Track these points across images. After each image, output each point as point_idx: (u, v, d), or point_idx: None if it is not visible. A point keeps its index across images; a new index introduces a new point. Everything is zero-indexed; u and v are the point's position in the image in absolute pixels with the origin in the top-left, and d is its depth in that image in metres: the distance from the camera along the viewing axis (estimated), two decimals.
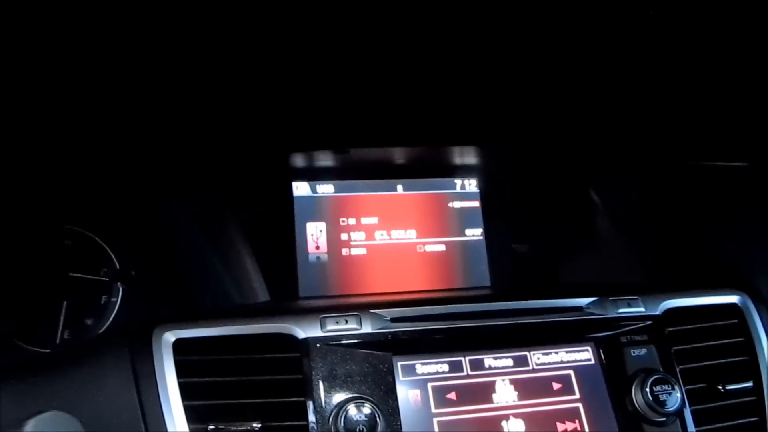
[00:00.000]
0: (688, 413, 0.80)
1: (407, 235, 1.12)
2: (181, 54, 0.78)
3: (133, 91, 0.84)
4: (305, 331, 0.76)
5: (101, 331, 0.97)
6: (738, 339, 0.89)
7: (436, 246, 1.12)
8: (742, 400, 0.84)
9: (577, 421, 0.78)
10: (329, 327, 0.76)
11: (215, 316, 0.78)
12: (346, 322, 0.77)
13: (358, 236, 1.10)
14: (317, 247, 1.08)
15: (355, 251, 1.09)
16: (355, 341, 0.77)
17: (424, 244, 1.12)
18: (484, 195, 1.17)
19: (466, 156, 1.13)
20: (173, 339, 0.74)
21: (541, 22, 0.76)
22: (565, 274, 1.15)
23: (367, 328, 0.77)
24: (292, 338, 0.76)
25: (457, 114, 1.03)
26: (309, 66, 0.86)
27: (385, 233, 1.11)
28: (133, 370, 0.72)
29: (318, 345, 0.75)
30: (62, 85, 0.79)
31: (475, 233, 1.15)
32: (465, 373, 0.78)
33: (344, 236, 1.09)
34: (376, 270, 1.09)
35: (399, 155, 1.09)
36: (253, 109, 0.96)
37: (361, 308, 0.79)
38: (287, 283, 1.05)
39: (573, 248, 1.16)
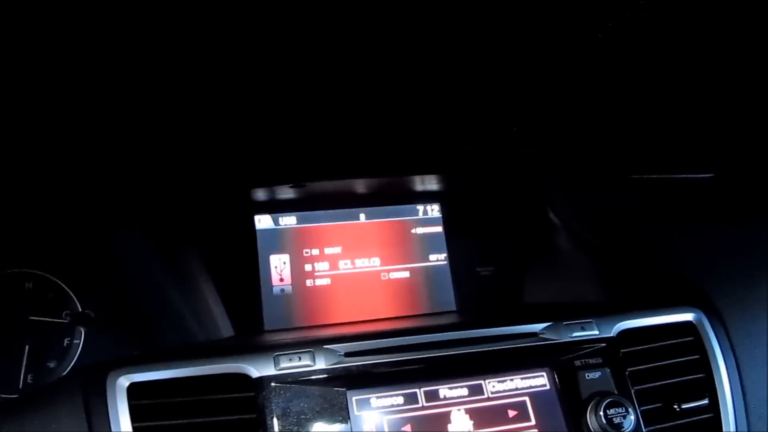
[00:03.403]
0: None
1: (371, 263, 1.13)
2: (144, 87, 0.79)
3: (92, 121, 0.84)
4: (259, 369, 0.76)
5: (65, 373, 0.97)
6: (693, 356, 0.90)
7: (400, 273, 1.13)
8: (698, 418, 0.85)
9: None
10: (283, 365, 0.77)
11: (170, 356, 0.78)
12: (300, 359, 0.78)
13: (322, 266, 1.11)
14: (281, 279, 1.09)
15: (319, 282, 1.10)
16: (309, 378, 0.77)
17: (388, 271, 1.13)
18: (447, 219, 1.18)
19: (428, 182, 1.14)
20: (127, 384, 0.74)
21: (500, 46, 0.78)
22: (530, 295, 1.16)
23: (320, 364, 0.78)
24: (246, 378, 0.76)
25: (416, 143, 1.05)
26: (268, 102, 0.88)
27: (349, 262, 1.12)
28: (86, 416, 0.72)
29: (272, 383, 0.76)
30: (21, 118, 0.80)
31: (439, 258, 1.16)
32: (420, 405, 0.78)
33: (308, 267, 1.10)
34: (341, 299, 1.10)
35: (360, 185, 1.11)
36: (214, 145, 0.98)
37: (315, 344, 0.80)
38: (252, 316, 1.05)
39: (536, 268, 1.17)
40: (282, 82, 0.82)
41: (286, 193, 1.08)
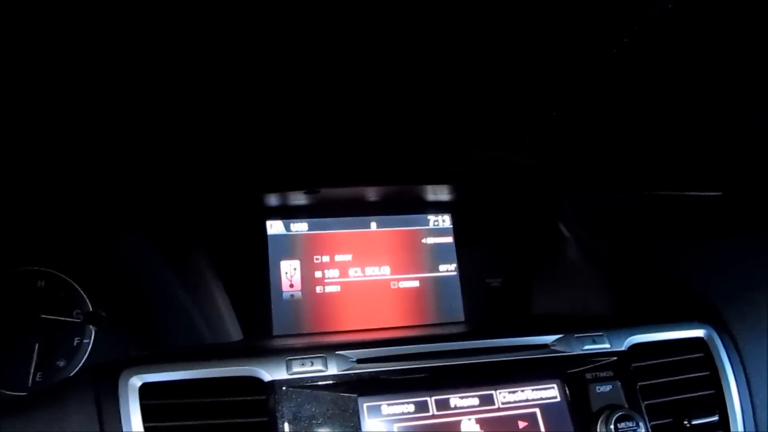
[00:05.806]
0: None
1: (381, 272, 1.13)
2: (159, 91, 0.80)
3: (107, 123, 0.85)
4: (271, 373, 0.76)
5: (73, 373, 0.97)
6: (704, 372, 0.90)
7: (410, 282, 1.14)
8: None
9: None
10: (295, 369, 0.77)
11: (183, 358, 0.78)
12: (312, 363, 0.78)
13: (332, 273, 1.11)
14: (291, 285, 1.09)
15: (329, 288, 1.10)
16: (321, 383, 0.77)
17: (398, 280, 1.13)
18: (458, 230, 1.18)
19: (439, 192, 1.15)
20: (139, 383, 0.74)
21: (515, 58, 0.79)
22: (539, 306, 1.17)
23: (332, 370, 0.78)
24: (257, 381, 0.76)
25: (428, 152, 1.06)
26: (281, 107, 0.88)
27: (359, 270, 1.12)
28: (98, 415, 0.72)
29: (283, 388, 0.76)
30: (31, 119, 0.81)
31: (449, 268, 1.16)
32: (431, 413, 0.78)
33: (318, 274, 1.10)
34: (351, 307, 1.10)
35: (372, 193, 1.11)
36: (227, 150, 0.98)
37: (327, 349, 0.80)
38: (261, 321, 1.05)
39: (545, 280, 1.17)
40: (297, 88, 0.83)
41: (299, 199, 1.09)
